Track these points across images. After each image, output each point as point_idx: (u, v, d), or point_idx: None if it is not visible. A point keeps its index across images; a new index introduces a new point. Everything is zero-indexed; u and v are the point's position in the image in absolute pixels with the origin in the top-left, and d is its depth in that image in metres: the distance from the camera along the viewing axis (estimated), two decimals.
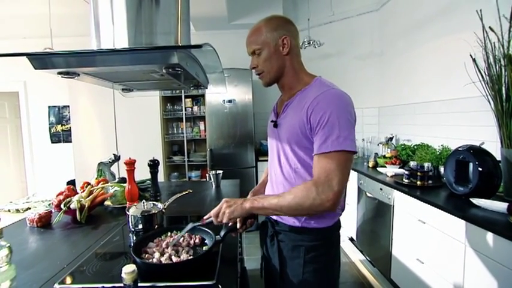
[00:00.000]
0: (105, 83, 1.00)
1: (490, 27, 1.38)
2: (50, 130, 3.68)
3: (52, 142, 3.70)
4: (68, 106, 3.54)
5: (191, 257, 0.82)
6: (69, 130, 3.57)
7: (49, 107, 3.67)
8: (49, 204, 2.22)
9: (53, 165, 3.68)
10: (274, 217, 0.93)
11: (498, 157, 1.41)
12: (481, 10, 1.45)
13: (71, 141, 3.48)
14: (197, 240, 0.92)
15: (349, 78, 3.21)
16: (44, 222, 1.21)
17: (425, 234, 1.56)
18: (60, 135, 3.70)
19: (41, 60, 0.68)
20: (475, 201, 1.32)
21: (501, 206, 1.20)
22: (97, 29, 0.86)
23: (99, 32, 0.85)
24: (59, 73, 0.74)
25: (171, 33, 0.87)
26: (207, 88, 1.23)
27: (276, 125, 0.92)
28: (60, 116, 3.69)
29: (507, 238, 1.04)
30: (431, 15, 2.18)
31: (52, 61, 0.69)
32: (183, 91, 3.31)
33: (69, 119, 3.55)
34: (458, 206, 1.36)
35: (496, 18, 1.37)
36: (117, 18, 0.84)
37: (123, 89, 1.17)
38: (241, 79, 3.15)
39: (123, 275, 0.64)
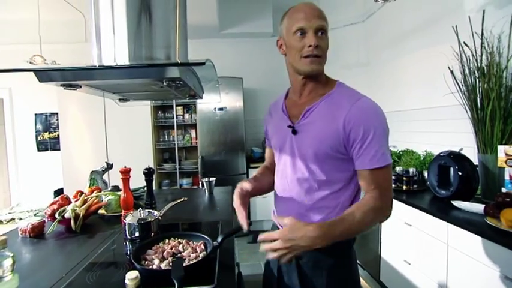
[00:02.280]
0: (106, 94, 1.02)
1: (464, 42, 1.50)
2: (36, 138, 3.59)
3: (38, 150, 3.61)
4: (56, 113, 3.47)
5: (192, 261, 0.84)
6: (57, 138, 3.49)
7: (36, 114, 3.59)
8: (35, 215, 2.18)
9: (39, 174, 3.58)
10: None
11: (476, 162, 1.52)
12: (456, 26, 1.57)
13: (58, 149, 3.40)
14: (202, 247, 0.95)
15: None
16: (37, 233, 1.19)
17: (411, 236, 1.64)
18: (47, 143, 3.61)
19: (45, 74, 0.70)
20: (456, 203, 1.41)
21: (479, 207, 1.29)
22: (98, 37, 0.87)
23: (100, 40, 0.87)
24: (62, 85, 0.76)
25: (170, 46, 0.91)
26: (202, 98, 1.27)
27: (294, 131, 0.83)
28: (47, 123, 3.61)
29: (484, 237, 1.12)
30: (412, 29, 2.32)
31: (56, 75, 0.71)
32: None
33: (57, 127, 3.48)
34: (441, 209, 1.44)
35: (469, 34, 1.49)
36: (118, 28, 0.86)
37: (120, 99, 1.20)
38: (232, 87, 3.20)
39: (126, 281, 0.66)
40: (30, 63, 2.55)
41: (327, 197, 0.81)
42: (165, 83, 0.77)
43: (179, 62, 0.83)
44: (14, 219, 3.30)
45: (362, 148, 0.74)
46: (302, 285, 0.83)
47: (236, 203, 0.84)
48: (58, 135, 3.42)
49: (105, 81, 0.78)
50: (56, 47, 3.19)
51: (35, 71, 0.68)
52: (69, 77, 0.73)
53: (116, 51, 0.87)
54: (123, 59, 0.86)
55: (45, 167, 3.57)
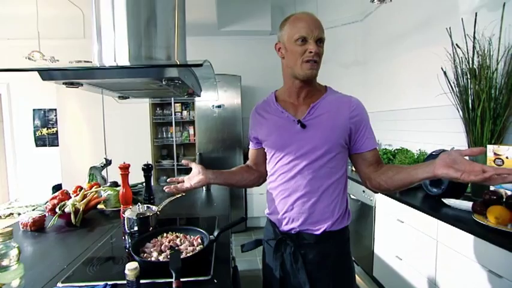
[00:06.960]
0: (105, 92, 1.04)
1: (456, 44, 1.53)
2: (34, 133, 3.60)
3: (37, 146, 3.62)
4: (54, 109, 3.48)
5: (189, 254, 0.88)
6: (55, 134, 3.50)
7: (34, 110, 3.59)
8: (33, 210, 2.20)
9: (37, 169, 3.59)
10: (297, 229, 0.90)
11: None
12: (450, 28, 1.61)
13: (57, 145, 3.42)
14: (199, 240, 0.98)
15: (334, 85, 3.26)
16: (38, 226, 1.22)
17: (403, 232, 1.68)
18: (46, 139, 3.62)
19: (48, 73, 0.73)
20: (446, 201, 1.45)
21: (467, 204, 1.33)
22: (98, 34, 0.89)
23: (101, 37, 0.89)
24: (64, 83, 0.79)
25: (169, 46, 0.93)
26: (199, 96, 1.30)
27: (303, 125, 0.87)
28: (45, 119, 3.61)
29: (471, 233, 1.17)
30: (408, 29, 2.35)
31: (59, 74, 0.74)
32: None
33: (56, 123, 3.49)
34: (432, 206, 1.48)
35: (462, 36, 1.52)
36: (118, 26, 0.88)
37: (119, 97, 1.22)
38: (230, 84, 3.23)
39: (126, 271, 0.70)
40: (29, 58, 2.56)
41: (333, 184, 0.89)
42: (164, 82, 0.80)
43: (178, 62, 0.86)
44: (12, 214, 3.32)
45: (367, 132, 0.89)
46: (310, 280, 0.88)
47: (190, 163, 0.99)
48: (56, 131, 3.43)
49: (105, 79, 0.81)
50: (55, 42, 3.19)
51: (38, 70, 0.70)
52: (71, 76, 0.75)
53: (116, 49, 0.89)
54: (123, 57, 0.88)
55: (43, 162, 3.58)
